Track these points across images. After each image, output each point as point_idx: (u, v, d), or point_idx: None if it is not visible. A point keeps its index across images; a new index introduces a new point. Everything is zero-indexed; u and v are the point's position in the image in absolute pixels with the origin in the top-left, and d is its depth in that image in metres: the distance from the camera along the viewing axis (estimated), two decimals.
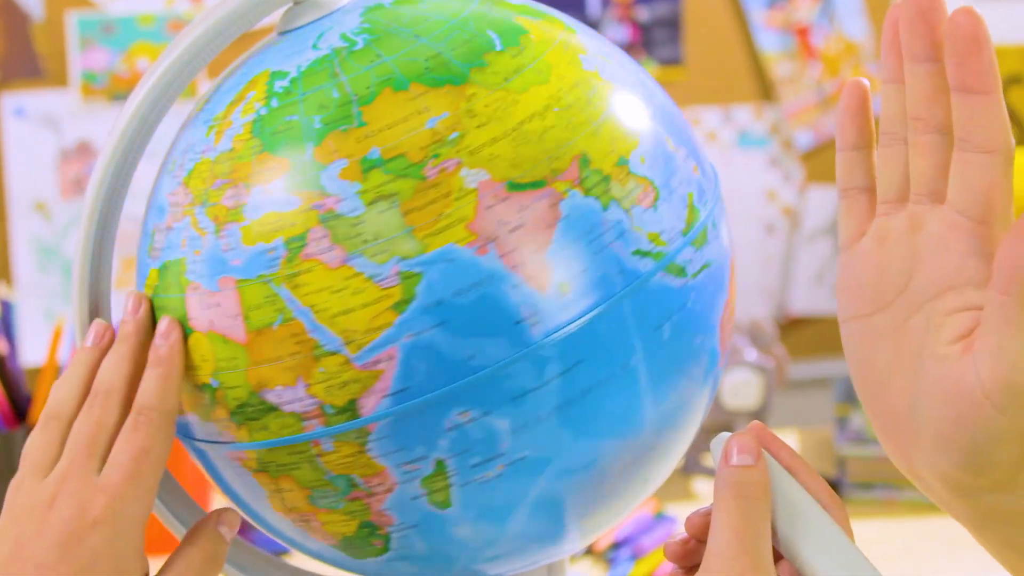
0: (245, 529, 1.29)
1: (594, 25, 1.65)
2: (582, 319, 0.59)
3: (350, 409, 0.59)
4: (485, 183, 0.58)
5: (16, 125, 1.58)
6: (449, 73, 0.60)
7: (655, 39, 1.67)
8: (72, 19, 1.58)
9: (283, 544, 0.66)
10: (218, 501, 1.39)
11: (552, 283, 0.58)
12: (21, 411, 1.29)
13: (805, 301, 1.76)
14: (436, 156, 0.59)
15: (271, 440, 0.61)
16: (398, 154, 0.59)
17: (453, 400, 0.58)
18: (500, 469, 0.60)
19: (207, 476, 0.66)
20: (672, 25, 1.67)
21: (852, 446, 1.37)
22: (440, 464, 0.59)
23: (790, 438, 1.54)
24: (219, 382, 0.61)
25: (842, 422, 1.43)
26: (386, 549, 0.62)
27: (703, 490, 1.42)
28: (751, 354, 1.41)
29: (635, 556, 1.25)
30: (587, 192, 0.60)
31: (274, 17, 0.74)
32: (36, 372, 1.60)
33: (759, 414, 1.42)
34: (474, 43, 0.61)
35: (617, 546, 1.27)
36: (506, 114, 0.60)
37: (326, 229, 0.58)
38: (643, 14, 1.67)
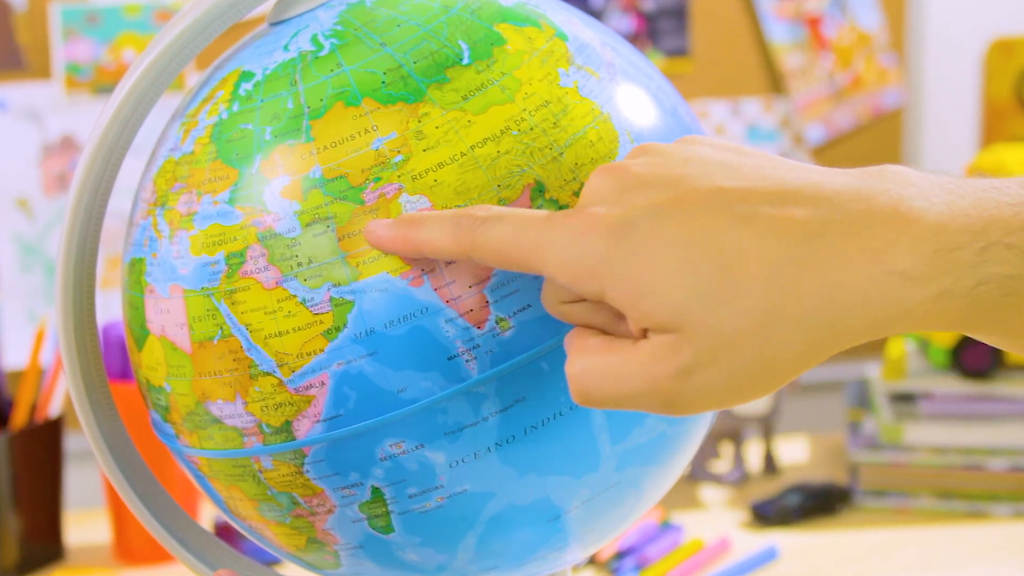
0: (236, 538, 1.28)
1: (597, 15, 1.64)
2: (523, 357, 0.57)
3: (286, 430, 0.58)
4: (425, 211, 0.57)
5: None
6: (405, 89, 0.59)
7: (661, 29, 1.67)
8: (55, 9, 1.57)
9: (271, 552, 0.65)
10: (207, 510, 1.38)
11: (490, 319, 0.57)
12: (3, 415, 1.29)
13: None
14: (377, 180, 0.57)
15: (217, 451, 0.61)
16: (339, 175, 0.58)
17: (386, 431, 0.57)
18: (440, 500, 0.59)
19: (191, 479, 0.66)
20: (678, 15, 1.66)
21: (865, 452, 1.36)
22: (377, 491, 0.59)
23: (801, 444, 1.52)
24: (171, 387, 0.61)
25: (854, 427, 1.41)
26: (338, 565, 0.62)
27: (710, 497, 1.39)
28: None
29: (640, 566, 1.24)
30: None
31: (267, 6, 0.72)
32: (18, 375, 1.59)
33: (768, 419, 1.40)
34: (440, 55, 0.60)
35: (621, 556, 1.26)
36: (457, 137, 0.58)
37: (264, 248, 0.58)
38: (648, 4, 1.66)
